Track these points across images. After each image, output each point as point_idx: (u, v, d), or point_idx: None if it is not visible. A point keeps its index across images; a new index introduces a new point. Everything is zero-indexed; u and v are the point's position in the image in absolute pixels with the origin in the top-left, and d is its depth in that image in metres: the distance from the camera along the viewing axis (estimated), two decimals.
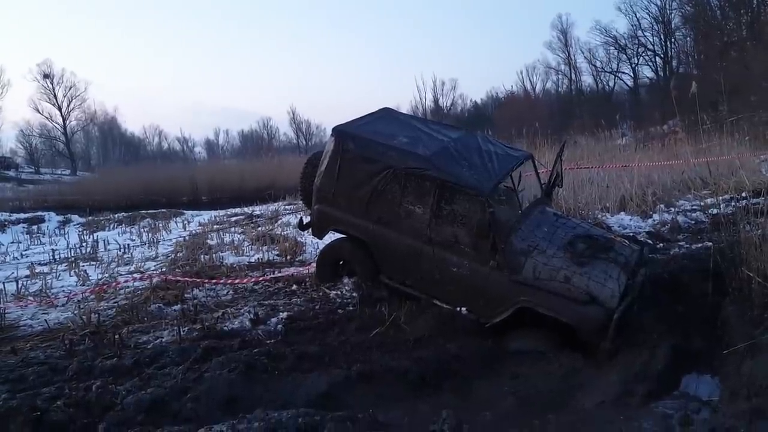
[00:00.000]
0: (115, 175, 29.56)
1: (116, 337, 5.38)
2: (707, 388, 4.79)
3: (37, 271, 8.96)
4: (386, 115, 7.09)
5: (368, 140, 6.29)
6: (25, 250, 11.57)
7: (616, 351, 5.10)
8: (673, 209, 9.98)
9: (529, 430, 4.00)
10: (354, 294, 6.33)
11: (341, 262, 6.66)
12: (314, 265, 7.17)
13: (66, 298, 7.21)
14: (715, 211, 9.02)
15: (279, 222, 12.80)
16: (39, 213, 16.73)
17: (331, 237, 6.91)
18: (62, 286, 8.00)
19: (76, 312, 6.44)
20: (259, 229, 12.18)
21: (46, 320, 6.26)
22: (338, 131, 6.45)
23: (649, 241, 8.00)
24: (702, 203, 10.04)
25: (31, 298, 7.35)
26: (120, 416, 3.70)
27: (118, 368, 4.56)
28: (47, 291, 7.72)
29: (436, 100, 58.97)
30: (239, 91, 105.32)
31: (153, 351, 4.95)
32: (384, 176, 6.04)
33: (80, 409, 3.74)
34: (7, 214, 16.69)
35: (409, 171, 5.94)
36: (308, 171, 6.95)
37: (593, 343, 5.15)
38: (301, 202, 8.28)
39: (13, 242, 12.53)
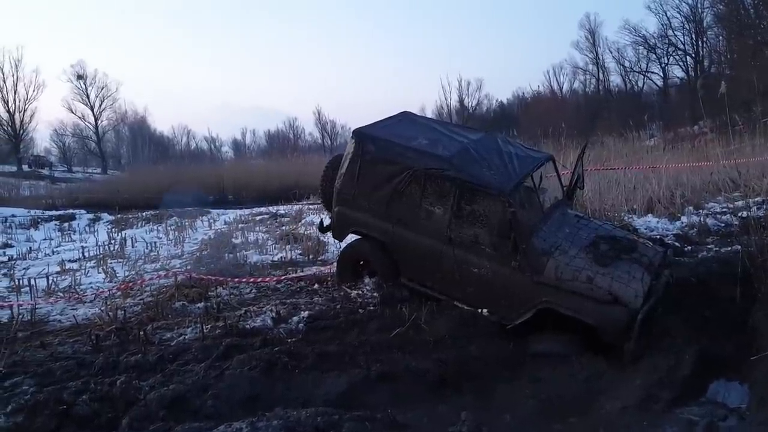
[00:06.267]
0: (144, 174, 30.00)
1: (141, 333, 5.49)
2: (735, 394, 4.69)
3: (67, 267, 9.17)
4: (405, 118, 7.10)
5: (388, 142, 6.30)
6: (57, 246, 11.83)
7: (640, 354, 5.02)
8: (701, 212, 9.74)
9: None
10: (375, 294, 6.31)
11: (361, 263, 6.67)
12: (336, 264, 7.19)
13: (94, 295, 7.37)
14: (745, 213, 8.78)
15: (302, 221, 12.89)
16: (70, 211, 17.13)
17: (352, 237, 6.93)
18: (90, 283, 8.17)
19: (103, 308, 6.58)
20: (283, 228, 12.29)
21: (74, 316, 6.40)
22: (358, 133, 6.48)
23: (676, 244, 7.83)
24: (732, 206, 9.79)
25: (60, 294, 7.54)
26: (143, 411, 3.77)
27: (142, 364, 4.65)
28: (76, 287, 7.89)
29: (461, 100, 58.84)
30: (266, 92, 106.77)
31: (176, 348, 5.04)
32: (404, 177, 6.03)
33: (105, 403, 3.83)
34: (41, 211, 17.12)
35: (429, 172, 5.93)
36: (328, 174, 7.00)
37: (616, 344, 5.08)
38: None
39: (45, 239, 12.84)
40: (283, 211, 15.42)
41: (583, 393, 4.67)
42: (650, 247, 5.96)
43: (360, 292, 6.45)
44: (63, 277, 8.47)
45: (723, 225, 8.97)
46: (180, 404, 3.94)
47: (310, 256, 9.14)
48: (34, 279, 7.90)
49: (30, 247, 11.53)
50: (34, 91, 51.59)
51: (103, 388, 3.98)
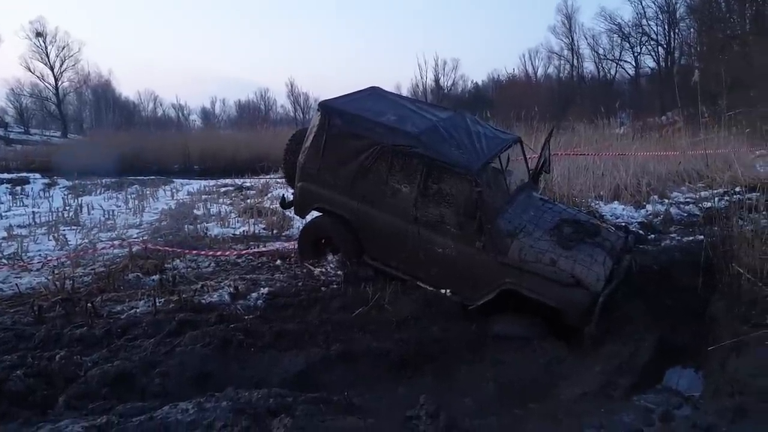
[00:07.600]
0: (106, 140, 28.93)
1: (89, 305, 5.20)
2: (690, 383, 4.78)
3: (14, 233, 8.75)
4: (374, 93, 6.92)
5: (356, 116, 6.11)
6: (6, 211, 11.31)
7: (600, 338, 5.05)
8: (666, 201, 9.85)
9: (509, 419, 3.91)
10: (339, 272, 6.17)
11: (323, 240, 6.49)
12: (297, 241, 6.99)
13: (41, 263, 7.02)
14: (708, 204, 8.91)
15: (268, 195, 12.61)
16: (24, 174, 16.41)
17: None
18: (39, 250, 7.82)
19: (49, 277, 6.27)
20: (248, 201, 11.99)
21: (17, 284, 6.09)
22: (325, 106, 6.27)
23: (640, 232, 7.90)
24: (696, 196, 9.94)
25: (5, 261, 7.17)
26: (83, 389, 3.57)
27: (87, 338, 4.43)
28: (22, 254, 7.52)
29: (437, 80, 58.37)
30: (238, 60, 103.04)
31: (126, 322, 4.83)
32: (371, 153, 5.87)
33: (41, 379, 3.61)
34: None
35: (396, 148, 5.78)
36: (292, 148, 6.78)
37: (577, 326, 5.11)
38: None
39: None
40: (249, 184, 15.08)
41: (543, 377, 4.66)
42: (613, 232, 6.02)
43: (323, 269, 6.29)
44: (9, 243, 8.08)
45: (686, 215, 9.09)
46: (125, 382, 3.76)
47: (274, 231, 8.93)
48: None
49: None
50: None
51: (41, 363, 3.76)
